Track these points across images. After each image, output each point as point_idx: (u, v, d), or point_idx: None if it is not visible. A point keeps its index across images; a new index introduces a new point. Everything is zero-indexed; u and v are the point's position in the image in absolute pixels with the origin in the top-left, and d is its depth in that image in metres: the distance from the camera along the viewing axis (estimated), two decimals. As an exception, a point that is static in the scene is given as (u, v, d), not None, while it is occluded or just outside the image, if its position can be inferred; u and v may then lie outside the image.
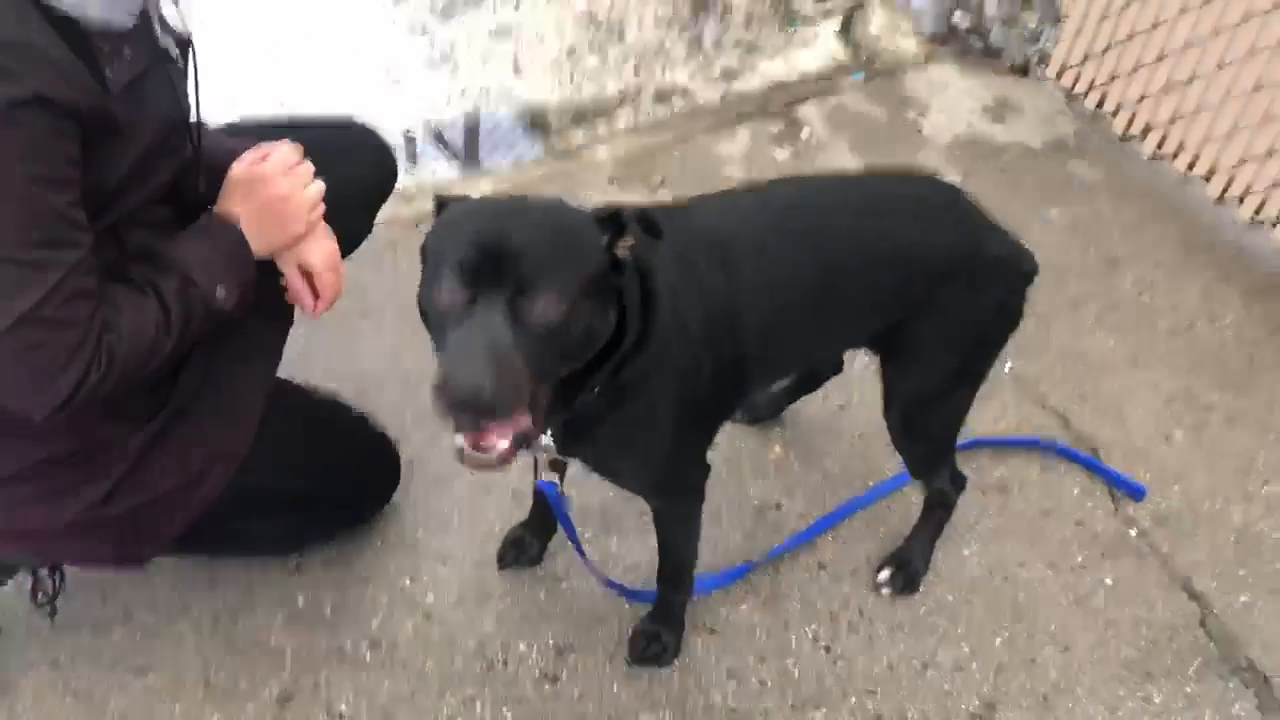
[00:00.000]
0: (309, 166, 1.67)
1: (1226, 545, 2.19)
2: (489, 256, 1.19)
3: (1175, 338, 2.58)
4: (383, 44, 3.15)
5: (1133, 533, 2.19)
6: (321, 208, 1.69)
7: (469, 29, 3.25)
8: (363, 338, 2.33)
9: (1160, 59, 2.89)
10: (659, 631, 1.89)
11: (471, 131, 2.97)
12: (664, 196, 2.73)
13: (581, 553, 1.76)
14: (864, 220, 1.65)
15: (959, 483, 2.01)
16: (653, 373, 1.47)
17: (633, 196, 2.71)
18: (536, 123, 2.98)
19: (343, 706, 1.79)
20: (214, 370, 1.66)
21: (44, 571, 1.79)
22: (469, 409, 1.15)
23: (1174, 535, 2.19)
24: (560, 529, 1.85)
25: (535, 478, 1.68)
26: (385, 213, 2.05)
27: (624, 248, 1.31)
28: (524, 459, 1.44)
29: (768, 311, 1.59)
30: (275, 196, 1.62)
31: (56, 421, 1.46)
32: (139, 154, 1.45)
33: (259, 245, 1.63)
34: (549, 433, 1.50)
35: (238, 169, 1.63)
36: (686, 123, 3.00)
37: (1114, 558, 2.14)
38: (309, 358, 2.04)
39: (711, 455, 1.96)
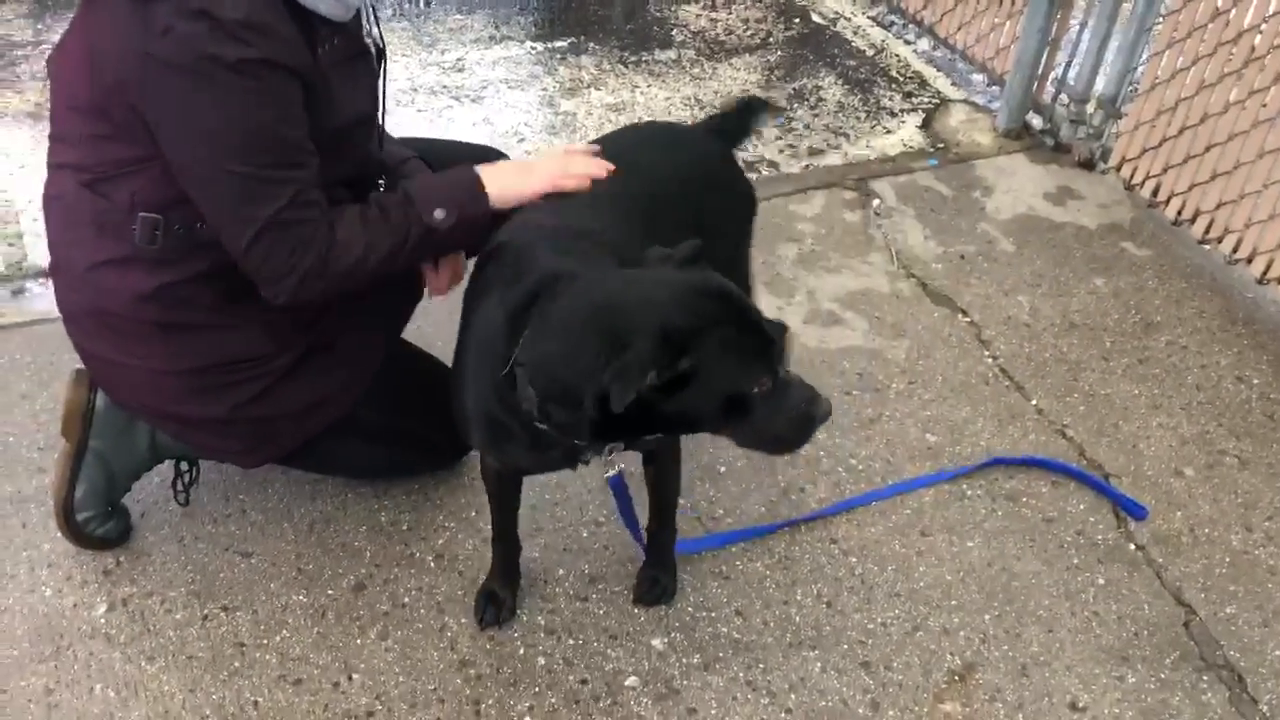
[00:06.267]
0: (581, 155, 1.94)
1: (1221, 565, 2.35)
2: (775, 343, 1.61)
3: (1200, 391, 2.78)
4: (511, 113, 3.65)
5: (1131, 546, 2.38)
6: (570, 180, 1.90)
7: (590, 104, 3.73)
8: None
9: (1208, 150, 3.15)
10: (658, 575, 2.15)
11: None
12: (739, 242, 3.10)
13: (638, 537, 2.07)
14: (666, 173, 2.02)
15: None
16: None
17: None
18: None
19: (405, 599, 2.13)
20: (351, 320, 2.05)
21: (184, 466, 2.20)
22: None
23: (1171, 552, 2.37)
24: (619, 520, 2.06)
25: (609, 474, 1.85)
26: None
27: None
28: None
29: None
30: (529, 158, 1.97)
31: (235, 329, 1.89)
32: (338, 126, 1.83)
33: (498, 189, 1.89)
34: None
35: None
36: (768, 186, 3.37)
37: (1109, 563, 2.33)
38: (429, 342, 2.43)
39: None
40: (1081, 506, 2.45)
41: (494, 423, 1.76)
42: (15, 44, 3.69)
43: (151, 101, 1.66)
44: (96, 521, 2.11)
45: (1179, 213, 3.28)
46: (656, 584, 2.16)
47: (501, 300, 1.69)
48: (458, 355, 1.85)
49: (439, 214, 1.86)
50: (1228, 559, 2.36)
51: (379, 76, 1.98)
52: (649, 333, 1.50)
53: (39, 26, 3.78)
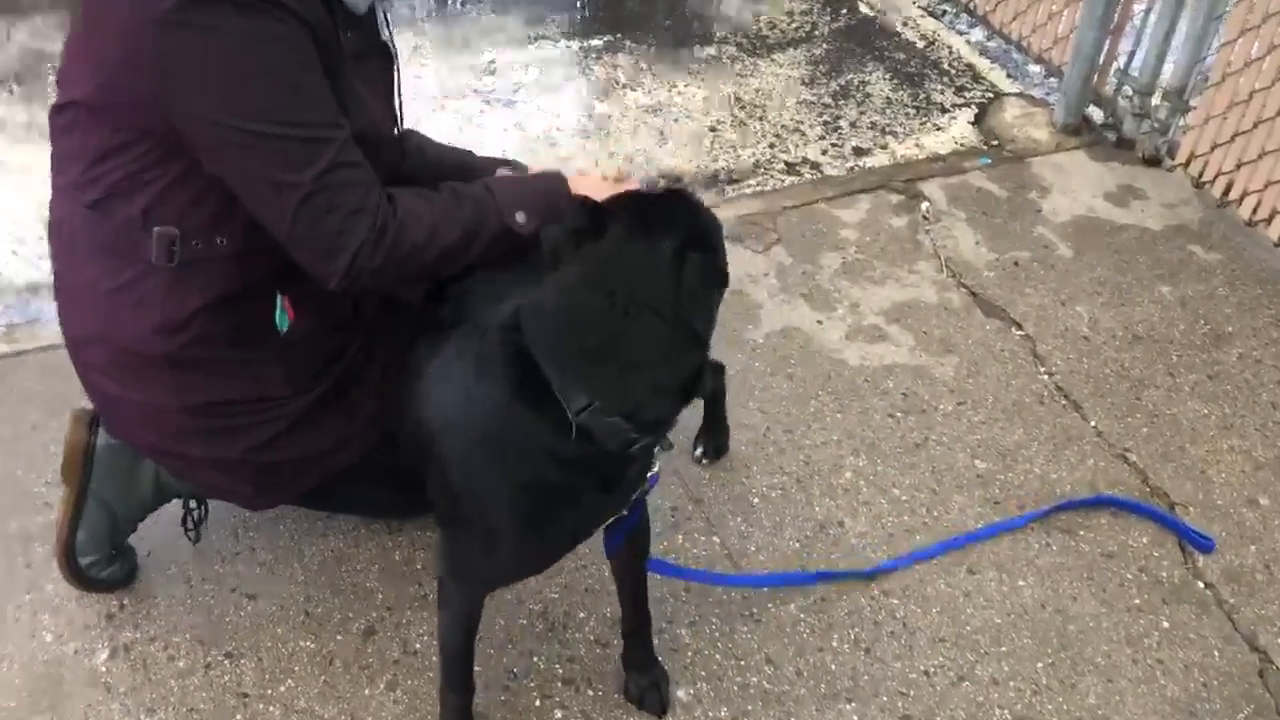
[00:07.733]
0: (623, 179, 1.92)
1: (1300, 606, 2.17)
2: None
3: (1276, 410, 2.58)
4: (543, 117, 3.53)
5: (1199, 584, 2.20)
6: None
7: (625, 105, 3.60)
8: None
9: (1284, 146, 2.93)
10: (657, 680, 1.95)
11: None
12: (777, 253, 2.95)
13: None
14: None
15: None
16: None
17: (745, 252, 2.94)
18: (669, 181, 3.26)
19: (417, 644, 2.02)
20: (372, 364, 1.95)
21: (194, 504, 2.12)
22: None
23: (1244, 591, 2.19)
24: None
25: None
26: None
27: None
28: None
29: None
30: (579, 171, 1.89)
31: (251, 367, 1.78)
32: (358, 130, 1.68)
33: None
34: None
35: None
36: (811, 191, 3.22)
37: (1174, 604, 2.16)
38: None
39: (785, 469, 2.25)
40: (1144, 540, 2.27)
41: (555, 499, 1.59)
42: (47, 56, 3.65)
43: (165, 73, 1.53)
44: (99, 565, 2.03)
45: (1253, 212, 3.07)
46: (656, 690, 1.95)
47: (494, 385, 1.55)
48: (460, 495, 1.66)
49: (520, 217, 1.74)
50: (1307, 599, 2.18)
51: (394, 85, 1.86)
52: (674, 251, 1.44)
53: (69, 38, 3.74)
